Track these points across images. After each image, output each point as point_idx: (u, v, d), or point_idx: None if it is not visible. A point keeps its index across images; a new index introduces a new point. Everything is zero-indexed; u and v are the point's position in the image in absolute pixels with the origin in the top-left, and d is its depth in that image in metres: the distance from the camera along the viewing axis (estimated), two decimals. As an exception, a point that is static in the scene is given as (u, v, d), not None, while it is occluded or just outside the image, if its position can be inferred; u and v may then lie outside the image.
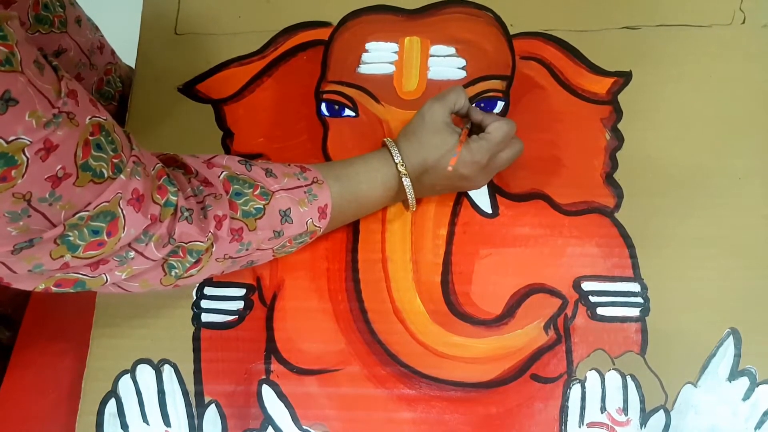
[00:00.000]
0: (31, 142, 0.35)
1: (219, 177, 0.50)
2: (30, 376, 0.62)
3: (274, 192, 0.52)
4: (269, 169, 0.54)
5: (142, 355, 0.60)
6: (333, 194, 0.55)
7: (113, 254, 0.44)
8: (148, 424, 0.58)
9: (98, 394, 0.59)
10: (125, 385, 0.59)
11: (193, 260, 0.48)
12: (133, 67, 0.73)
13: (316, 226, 0.55)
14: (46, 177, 0.37)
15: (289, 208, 0.53)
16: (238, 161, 0.53)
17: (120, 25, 0.77)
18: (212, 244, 0.49)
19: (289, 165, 0.56)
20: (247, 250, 0.52)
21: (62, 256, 0.41)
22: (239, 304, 0.61)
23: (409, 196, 0.58)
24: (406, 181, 0.57)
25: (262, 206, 0.51)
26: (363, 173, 0.57)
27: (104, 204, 0.41)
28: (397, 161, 0.56)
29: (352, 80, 0.68)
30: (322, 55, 0.70)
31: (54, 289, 0.45)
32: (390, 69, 0.68)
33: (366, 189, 0.57)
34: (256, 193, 0.51)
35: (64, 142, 0.37)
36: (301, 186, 0.54)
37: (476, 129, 0.57)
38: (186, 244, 0.47)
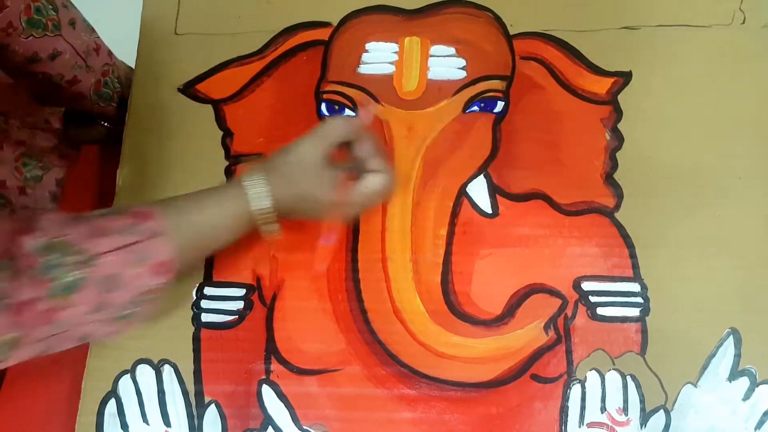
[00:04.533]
0: None
1: (28, 248, 0.43)
2: (30, 376, 0.62)
3: (98, 255, 0.45)
4: (96, 225, 0.47)
5: (142, 355, 0.60)
6: (179, 245, 0.50)
7: None
8: (148, 424, 0.58)
9: (98, 394, 0.59)
10: (125, 385, 0.59)
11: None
12: (133, 67, 0.73)
13: (156, 284, 0.49)
14: None
15: (118, 273, 0.46)
16: (65, 218, 0.46)
17: (120, 26, 0.77)
18: (17, 337, 0.44)
19: (126, 211, 0.49)
20: (65, 331, 0.46)
21: None
22: (239, 304, 0.61)
23: (267, 236, 0.56)
24: (268, 228, 0.54)
25: (81, 277, 0.45)
26: (215, 218, 0.53)
27: None
28: (255, 208, 0.53)
29: (352, 80, 0.68)
30: (322, 55, 0.70)
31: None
32: (390, 69, 0.68)
33: (217, 233, 0.54)
34: (74, 261, 0.44)
35: None
36: (133, 243, 0.47)
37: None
38: None
